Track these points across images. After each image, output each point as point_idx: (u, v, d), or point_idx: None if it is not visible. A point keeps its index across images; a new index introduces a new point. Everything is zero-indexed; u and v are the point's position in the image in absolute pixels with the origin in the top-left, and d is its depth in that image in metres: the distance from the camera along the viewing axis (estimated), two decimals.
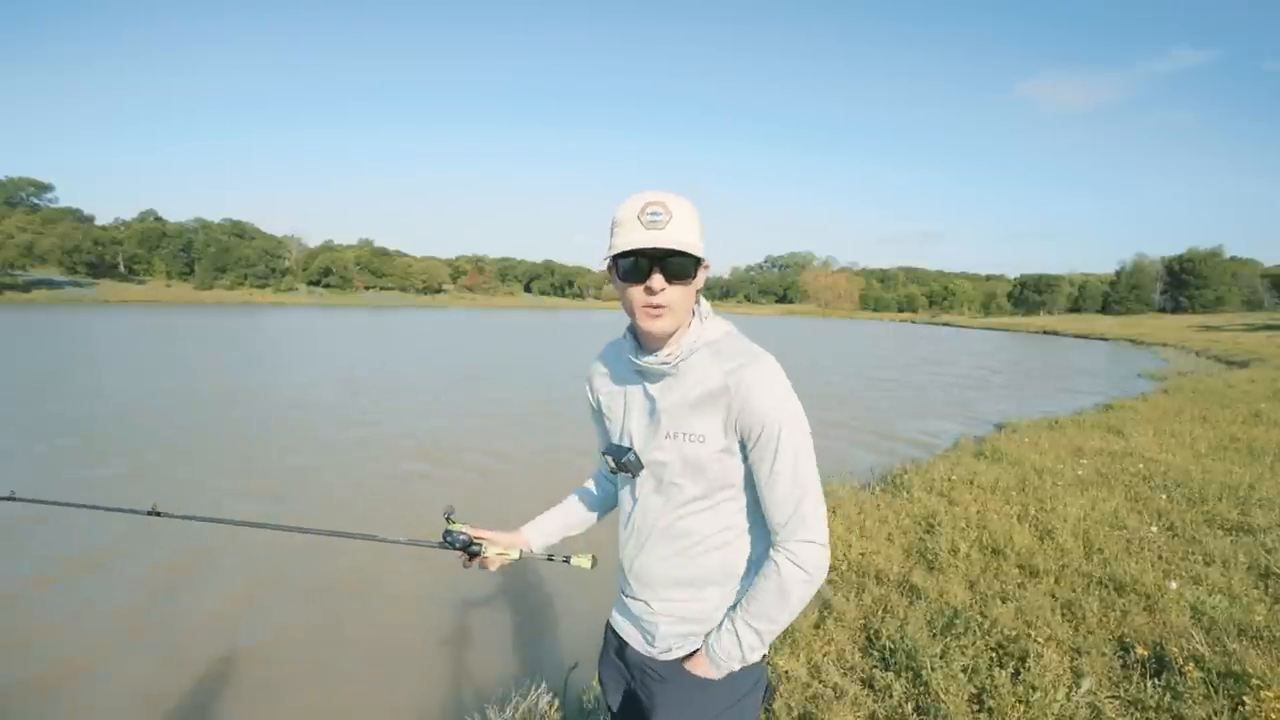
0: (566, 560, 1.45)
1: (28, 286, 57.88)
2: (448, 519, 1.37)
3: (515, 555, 1.39)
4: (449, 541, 1.35)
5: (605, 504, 1.48)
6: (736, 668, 1.19)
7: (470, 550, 1.35)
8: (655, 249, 1.07)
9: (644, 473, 1.22)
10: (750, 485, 1.19)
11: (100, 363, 16.36)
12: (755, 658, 1.20)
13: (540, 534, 1.45)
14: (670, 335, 1.15)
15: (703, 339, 1.17)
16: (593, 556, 1.40)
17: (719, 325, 1.20)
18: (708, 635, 1.22)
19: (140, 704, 3.12)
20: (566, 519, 1.47)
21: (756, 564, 1.22)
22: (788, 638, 2.95)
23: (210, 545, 4.89)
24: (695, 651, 1.24)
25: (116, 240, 72.91)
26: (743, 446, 1.15)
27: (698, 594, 1.23)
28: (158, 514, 1.41)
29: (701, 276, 1.15)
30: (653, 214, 1.08)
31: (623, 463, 1.22)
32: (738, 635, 1.17)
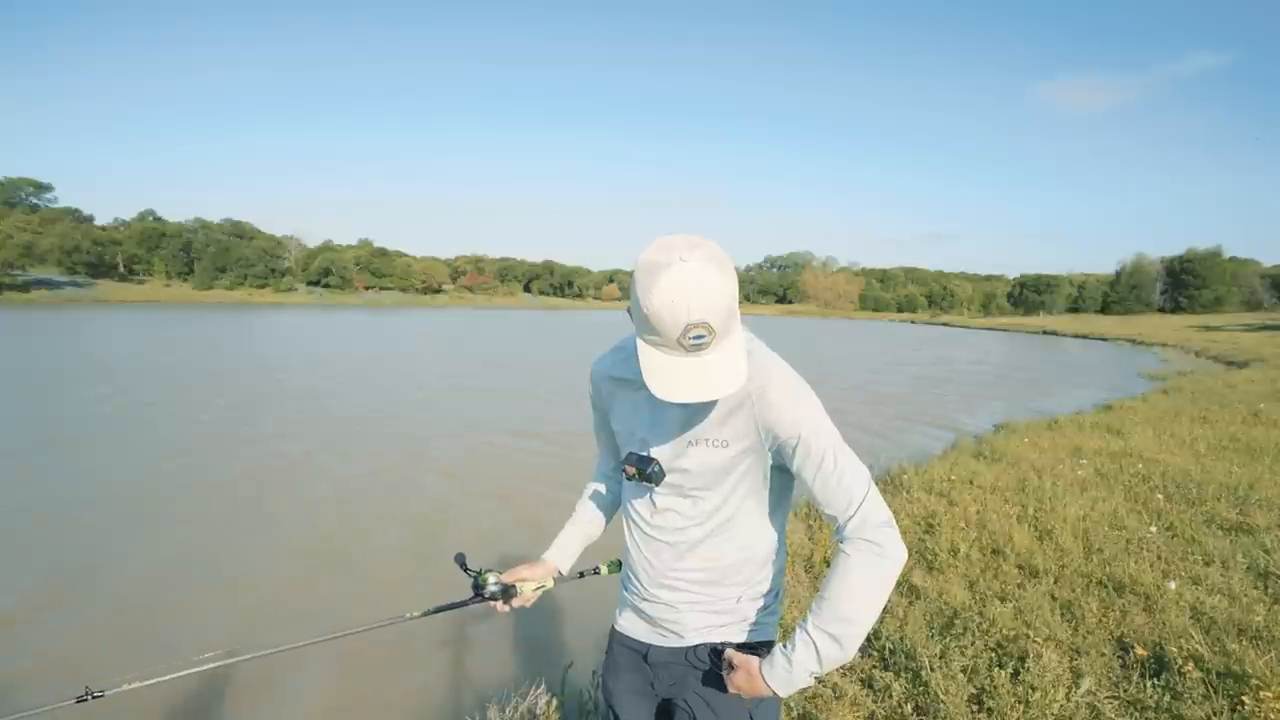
0: (596, 571, 1.47)
1: (27, 287, 57.77)
2: (464, 568, 1.33)
3: (550, 585, 1.39)
4: (486, 595, 1.31)
5: (615, 504, 1.47)
6: (809, 682, 1.09)
7: (508, 595, 1.33)
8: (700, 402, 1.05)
9: (665, 480, 1.21)
10: (771, 482, 1.21)
11: (126, 366, 16.36)
12: (832, 667, 1.10)
13: (566, 556, 1.43)
14: None
15: (758, 353, 1.16)
16: (618, 560, 1.40)
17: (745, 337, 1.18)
18: (771, 651, 1.13)
19: (139, 701, 3.11)
20: (586, 531, 1.46)
21: (774, 548, 1.26)
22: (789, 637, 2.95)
23: (211, 545, 4.90)
24: (731, 659, 1.19)
25: (116, 240, 72.76)
26: (776, 453, 1.16)
27: (722, 590, 1.24)
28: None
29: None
30: (695, 338, 0.98)
31: (647, 474, 1.19)
32: (815, 646, 1.06)
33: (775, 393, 1.11)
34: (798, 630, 1.09)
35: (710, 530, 1.21)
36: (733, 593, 1.24)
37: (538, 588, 1.36)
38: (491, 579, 1.32)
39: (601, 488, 1.48)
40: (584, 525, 1.46)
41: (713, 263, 0.98)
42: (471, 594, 1.32)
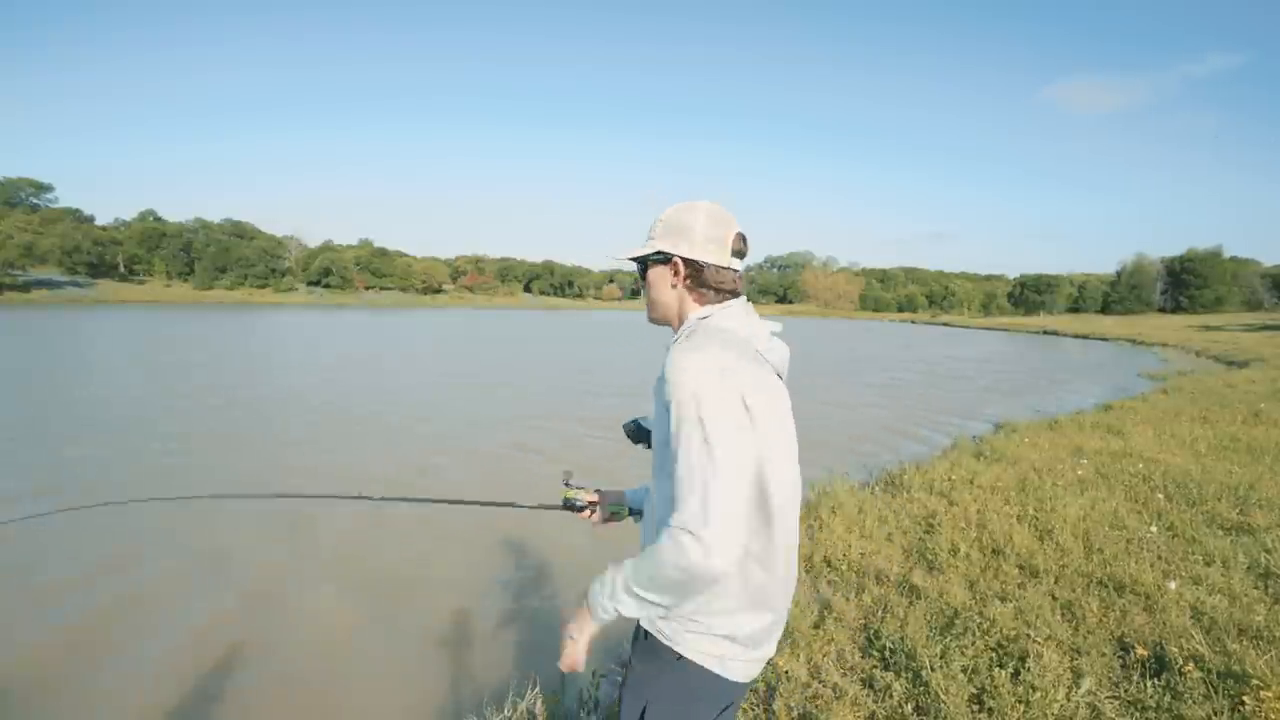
0: None
1: (27, 287, 57.74)
2: (566, 485, 1.60)
3: (625, 514, 1.58)
4: (568, 505, 1.59)
5: None
6: (603, 616, 1.16)
7: (579, 508, 1.59)
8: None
9: (651, 451, 1.30)
10: None
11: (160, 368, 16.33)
12: (611, 607, 1.14)
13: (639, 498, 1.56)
14: (662, 324, 1.34)
15: (684, 330, 1.26)
16: None
17: (699, 315, 1.26)
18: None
19: (134, 700, 3.12)
20: None
21: None
22: (788, 637, 2.94)
23: (209, 549, 4.90)
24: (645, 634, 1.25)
25: (116, 240, 72.67)
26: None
27: None
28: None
29: (661, 273, 1.29)
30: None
31: (632, 431, 1.43)
32: (607, 575, 1.15)
33: (671, 360, 1.15)
34: (610, 569, 1.16)
35: (666, 510, 1.16)
36: None
37: (612, 514, 1.58)
38: (577, 495, 1.59)
39: None
40: None
41: (674, 204, 1.31)
42: (562, 504, 1.60)
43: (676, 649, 1.20)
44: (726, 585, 1.18)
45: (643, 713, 1.23)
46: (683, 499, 1.06)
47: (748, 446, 1.10)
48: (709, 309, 1.26)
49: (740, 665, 1.22)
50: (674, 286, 1.28)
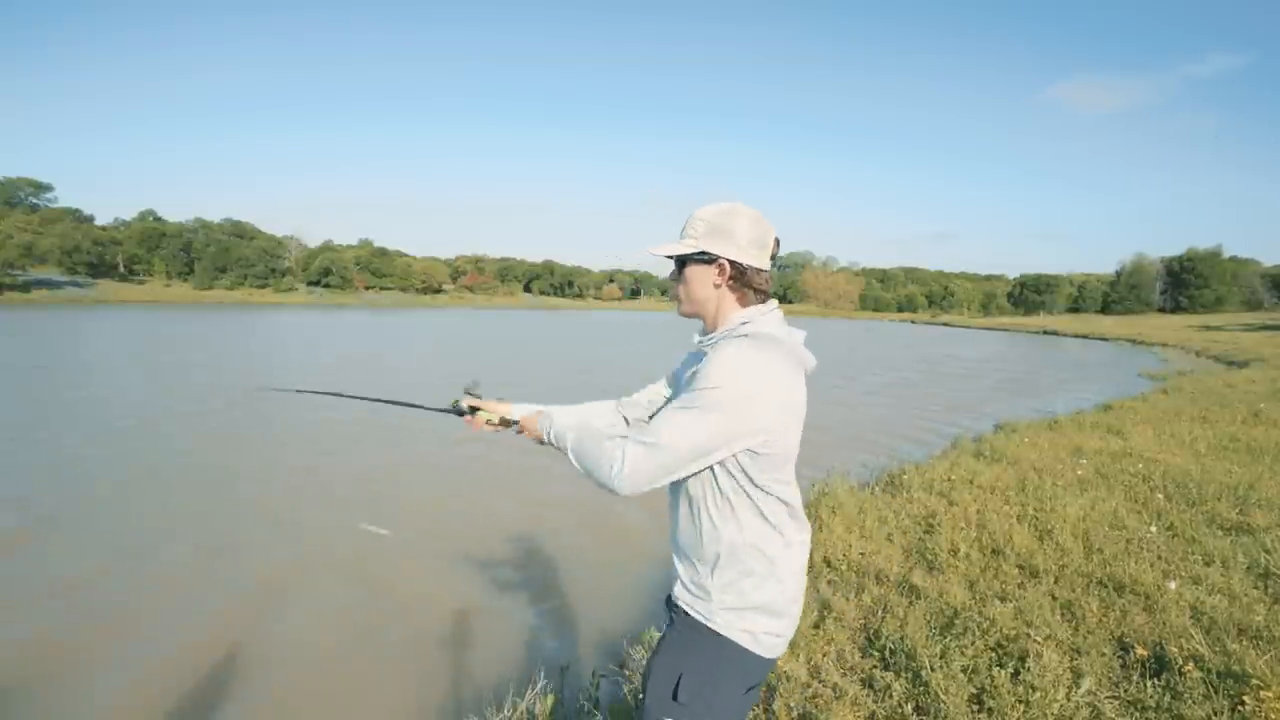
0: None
1: (27, 287, 57.68)
2: (466, 391, 1.63)
3: (496, 420, 1.59)
4: (451, 409, 1.62)
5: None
6: (543, 436, 1.44)
7: (461, 414, 1.61)
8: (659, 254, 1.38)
9: None
10: (728, 466, 1.25)
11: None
12: (550, 440, 1.41)
13: (525, 411, 1.59)
14: (692, 317, 1.40)
15: (730, 330, 1.30)
16: None
17: (742, 318, 1.31)
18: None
19: (131, 699, 3.11)
20: (580, 419, 1.57)
21: (726, 551, 1.28)
22: None
23: (210, 545, 4.90)
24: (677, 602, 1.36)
25: (116, 240, 72.56)
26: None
27: (684, 563, 1.35)
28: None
29: (702, 271, 1.33)
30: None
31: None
32: (558, 425, 1.41)
33: (729, 352, 1.23)
34: (557, 418, 1.45)
35: (689, 490, 1.32)
36: (690, 570, 1.34)
37: (488, 420, 1.59)
38: (463, 401, 1.61)
39: (610, 413, 1.62)
40: (582, 415, 1.58)
41: (711, 205, 1.34)
42: (449, 406, 1.63)
43: (712, 626, 1.28)
44: (755, 553, 1.28)
45: (678, 682, 1.29)
46: (644, 431, 1.23)
47: (713, 444, 1.20)
48: (752, 311, 1.32)
49: (769, 639, 1.30)
50: (717, 286, 1.33)
